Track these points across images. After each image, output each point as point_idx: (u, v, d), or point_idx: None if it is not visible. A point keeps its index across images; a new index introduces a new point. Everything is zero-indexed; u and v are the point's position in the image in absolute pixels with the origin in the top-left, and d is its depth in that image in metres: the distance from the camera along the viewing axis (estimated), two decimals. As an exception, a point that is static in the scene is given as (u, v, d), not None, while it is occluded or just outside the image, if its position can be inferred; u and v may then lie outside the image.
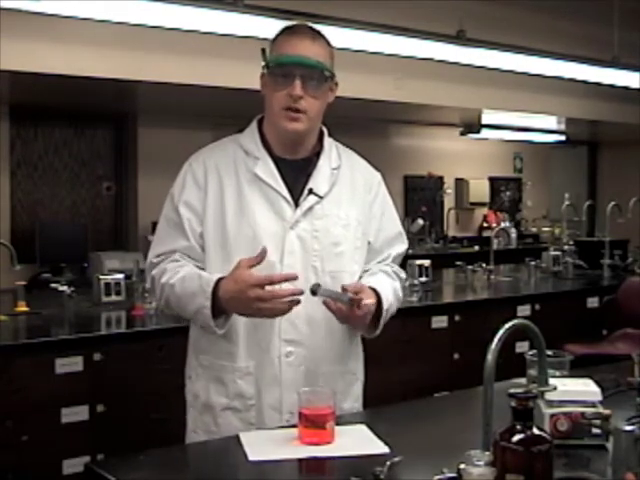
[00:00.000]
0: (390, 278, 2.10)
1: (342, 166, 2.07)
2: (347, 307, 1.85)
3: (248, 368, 1.97)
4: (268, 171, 1.99)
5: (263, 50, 1.99)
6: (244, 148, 2.03)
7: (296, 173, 2.01)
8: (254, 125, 2.08)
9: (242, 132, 2.09)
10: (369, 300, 1.88)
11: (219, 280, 1.87)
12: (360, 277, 2.06)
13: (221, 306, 1.88)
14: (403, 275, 2.19)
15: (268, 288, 1.82)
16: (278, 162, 2.01)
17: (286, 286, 1.85)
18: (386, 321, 2.02)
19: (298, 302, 1.84)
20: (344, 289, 1.87)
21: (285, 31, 2.00)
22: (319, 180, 2.01)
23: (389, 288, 2.05)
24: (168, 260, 1.99)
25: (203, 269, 1.99)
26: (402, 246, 2.17)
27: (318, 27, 2.03)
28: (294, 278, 1.85)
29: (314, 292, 1.86)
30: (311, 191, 1.99)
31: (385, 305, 1.97)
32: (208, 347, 2.00)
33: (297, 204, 1.99)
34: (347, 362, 2.06)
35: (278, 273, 1.88)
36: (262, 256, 1.84)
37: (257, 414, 1.97)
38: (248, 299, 1.82)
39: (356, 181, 2.08)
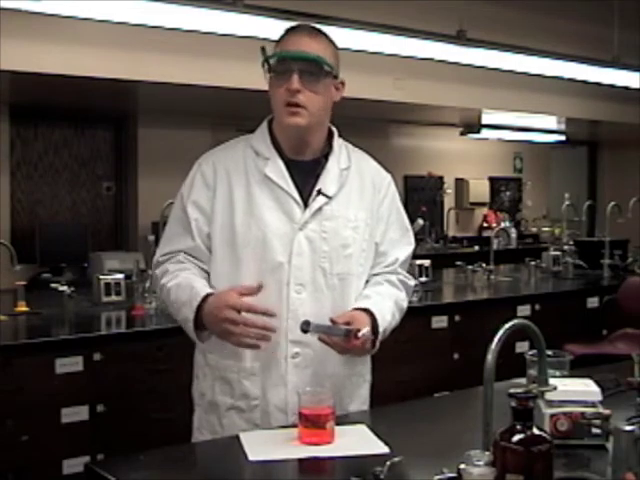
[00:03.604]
0: (395, 288, 2.08)
1: (351, 167, 2.07)
2: (344, 340, 1.84)
3: (253, 369, 1.97)
4: (278, 172, 1.99)
5: (262, 48, 1.99)
6: (254, 149, 2.03)
7: (305, 174, 2.01)
8: (264, 126, 2.08)
9: (253, 132, 2.09)
10: (365, 329, 1.87)
11: (207, 296, 1.90)
12: (367, 282, 2.06)
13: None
14: (411, 282, 2.17)
15: (244, 314, 1.83)
16: (288, 163, 2.01)
17: (262, 319, 1.85)
18: (385, 338, 2.00)
19: (268, 339, 1.85)
20: (334, 322, 1.87)
21: (287, 30, 2.01)
22: (328, 181, 2.01)
23: (389, 304, 2.03)
24: (172, 260, 2.01)
25: (207, 271, 2.01)
26: (408, 248, 2.15)
27: (318, 27, 2.04)
28: (272, 315, 1.86)
29: (305, 330, 1.84)
30: (320, 192, 1.99)
31: (381, 327, 1.95)
32: (214, 346, 2.00)
33: (306, 205, 1.98)
34: (355, 364, 2.05)
35: (261, 306, 1.87)
36: (259, 289, 1.87)
37: (262, 415, 1.97)
38: (221, 318, 1.84)
39: (365, 182, 2.08)
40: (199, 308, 1.90)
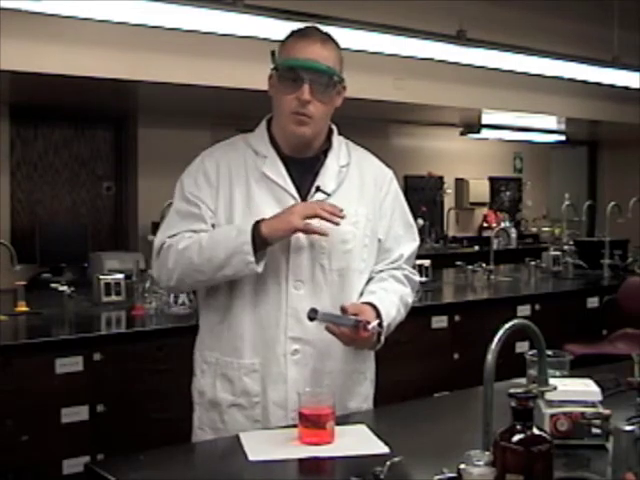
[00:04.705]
0: (400, 284, 2.08)
1: (351, 164, 2.07)
2: (352, 330, 1.84)
3: (253, 365, 1.97)
4: (276, 170, 2.00)
5: (273, 52, 1.99)
6: (253, 148, 2.04)
7: (304, 171, 2.02)
8: (263, 125, 2.08)
9: (252, 132, 2.09)
10: (375, 322, 1.88)
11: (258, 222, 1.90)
12: (370, 278, 2.06)
13: (260, 239, 1.88)
14: (416, 278, 2.17)
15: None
16: (286, 161, 2.01)
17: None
18: (389, 333, 2.00)
19: (337, 224, 1.89)
20: (344, 310, 1.87)
21: (295, 34, 1.99)
22: (327, 178, 2.02)
23: (393, 300, 2.02)
24: (182, 235, 1.97)
25: None
26: (413, 244, 2.16)
27: (324, 30, 2.03)
28: (342, 216, 1.90)
29: (312, 318, 1.84)
30: (318, 188, 2.00)
31: (386, 322, 1.95)
32: (215, 343, 2.01)
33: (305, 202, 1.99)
34: (355, 361, 2.05)
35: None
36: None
37: (262, 411, 1.97)
38: (292, 211, 1.87)
39: (366, 179, 2.08)
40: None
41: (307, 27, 2.02)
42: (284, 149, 2.03)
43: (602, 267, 5.39)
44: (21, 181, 6.34)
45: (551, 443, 1.37)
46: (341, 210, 1.91)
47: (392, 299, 2.02)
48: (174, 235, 1.98)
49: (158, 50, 4.44)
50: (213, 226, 1.98)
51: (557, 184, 9.40)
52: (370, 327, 1.84)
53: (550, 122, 7.72)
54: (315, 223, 1.90)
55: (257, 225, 1.88)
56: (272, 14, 3.57)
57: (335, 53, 1.99)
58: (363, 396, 2.10)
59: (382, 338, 1.96)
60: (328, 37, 2.00)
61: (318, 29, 2.02)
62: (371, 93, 5.26)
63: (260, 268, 1.90)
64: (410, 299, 2.12)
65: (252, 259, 1.87)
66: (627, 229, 5.73)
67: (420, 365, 3.90)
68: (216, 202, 1.99)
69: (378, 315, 1.93)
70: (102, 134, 6.77)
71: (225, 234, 1.92)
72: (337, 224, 1.89)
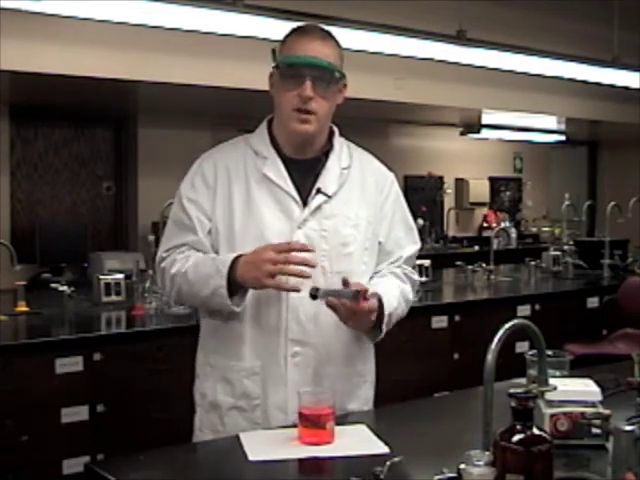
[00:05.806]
0: (399, 280, 2.08)
1: (353, 166, 2.06)
2: (352, 302, 1.83)
3: (254, 368, 1.96)
4: (277, 171, 1.99)
5: (273, 50, 1.99)
6: (254, 148, 2.03)
7: (305, 173, 2.01)
8: (264, 125, 2.08)
9: (252, 132, 2.09)
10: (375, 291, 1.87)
11: (237, 258, 1.88)
12: (370, 278, 2.05)
13: (236, 282, 1.88)
14: (416, 277, 2.17)
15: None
16: (287, 162, 2.01)
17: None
18: (392, 325, 2.00)
19: (307, 275, 1.84)
20: (345, 283, 1.85)
21: (295, 31, 1.99)
22: (328, 180, 2.01)
23: (395, 291, 2.02)
24: (177, 252, 2.00)
25: None
26: (413, 247, 2.15)
27: (325, 28, 2.02)
28: (311, 250, 1.87)
29: (314, 296, 1.83)
30: (319, 190, 1.99)
31: (387, 309, 1.95)
32: (216, 346, 2.01)
33: (306, 204, 1.98)
34: (355, 364, 2.05)
35: (297, 242, 1.90)
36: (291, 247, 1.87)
37: (263, 414, 1.97)
38: (262, 260, 1.83)
39: (367, 181, 2.07)
40: (229, 274, 1.88)
41: (307, 25, 2.02)
42: (285, 150, 2.02)
43: (602, 267, 5.39)
44: (21, 181, 6.34)
45: (551, 443, 1.37)
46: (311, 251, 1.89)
47: (393, 292, 2.02)
48: (170, 249, 2.02)
49: (158, 50, 4.44)
50: (210, 232, 1.99)
51: (557, 184, 9.40)
52: (369, 295, 1.83)
53: (550, 122, 7.72)
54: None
55: (237, 261, 1.88)
56: (272, 14, 3.57)
57: (336, 50, 1.99)
58: (363, 399, 2.09)
59: (383, 327, 1.96)
60: (328, 34, 2.00)
61: (318, 26, 2.02)
62: (371, 93, 5.25)
63: (238, 308, 1.92)
64: (410, 296, 2.11)
65: (228, 302, 1.90)
66: (627, 229, 5.73)
67: (420, 365, 3.90)
68: (214, 203, 1.99)
69: (380, 304, 1.92)
70: (102, 134, 6.77)
71: (207, 271, 1.92)
72: (308, 277, 1.86)
